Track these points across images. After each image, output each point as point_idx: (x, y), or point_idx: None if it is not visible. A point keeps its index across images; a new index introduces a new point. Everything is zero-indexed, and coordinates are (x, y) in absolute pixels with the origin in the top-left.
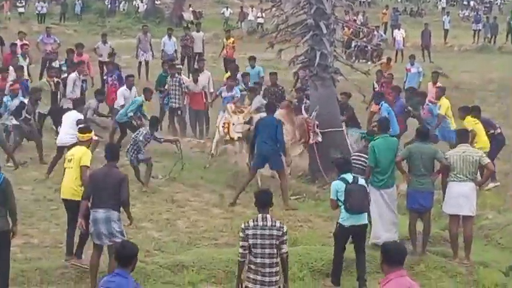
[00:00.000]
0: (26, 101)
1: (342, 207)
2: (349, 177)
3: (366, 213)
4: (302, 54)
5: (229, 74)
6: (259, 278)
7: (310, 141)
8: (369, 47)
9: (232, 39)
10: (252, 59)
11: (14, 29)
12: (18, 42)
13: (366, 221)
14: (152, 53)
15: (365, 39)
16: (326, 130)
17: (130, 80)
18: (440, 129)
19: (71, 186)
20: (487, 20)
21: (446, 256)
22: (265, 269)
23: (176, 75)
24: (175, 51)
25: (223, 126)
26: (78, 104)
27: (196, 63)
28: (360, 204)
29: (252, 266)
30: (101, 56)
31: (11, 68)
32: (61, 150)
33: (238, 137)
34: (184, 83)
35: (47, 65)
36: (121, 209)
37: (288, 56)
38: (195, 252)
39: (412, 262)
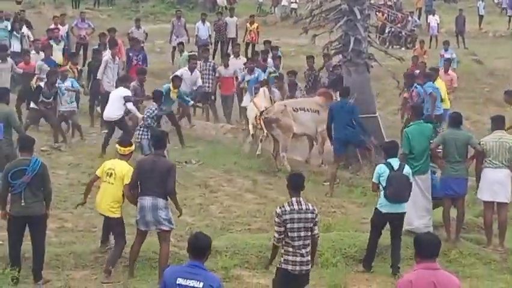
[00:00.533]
0: (43, 84)
1: (382, 192)
2: (395, 163)
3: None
4: (336, 40)
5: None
6: (298, 259)
7: None
8: (403, 33)
9: (256, 24)
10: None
11: (49, 13)
12: (53, 27)
13: (404, 210)
14: (188, 38)
15: (399, 25)
16: (360, 116)
17: (193, 62)
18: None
19: (108, 203)
20: None
21: (480, 243)
22: (301, 250)
23: (210, 59)
24: (209, 36)
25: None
26: (124, 80)
27: (230, 48)
28: (400, 193)
29: (290, 249)
30: None
31: (32, 52)
32: (110, 125)
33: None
34: (217, 67)
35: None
36: None
37: (322, 42)
38: (228, 238)
39: (446, 249)
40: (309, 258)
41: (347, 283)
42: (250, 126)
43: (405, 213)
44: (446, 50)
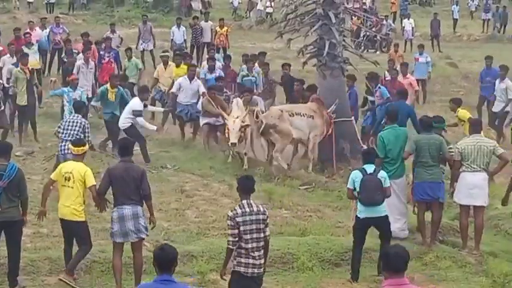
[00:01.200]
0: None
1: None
2: (370, 168)
3: (384, 205)
4: (311, 44)
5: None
6: (251, 261)
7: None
8: (378, 37)
9: (226, 28)
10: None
11: (23, 18)
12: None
13: (383, 213)
14: (155, 43)
15: (374, 29)
16: (336, 120)
17: (191, 70)
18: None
19: (71, 206)
20: (497, 10)
21: (456, 246)
22: (254, 252)
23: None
24: (185, 40)
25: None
26: (141, 91)
27: (207, 53)
28: (371, 196)
29: (243, 251)
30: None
31: (7, 56)
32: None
33: (232, 143)
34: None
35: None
36: None
37: (297, 46)
38: (204, 242)
39: (421, 252)
40: (261, 261)
41: (322, 287)
42: (232, 136)
43: (386, 216)
44: (420, 54)
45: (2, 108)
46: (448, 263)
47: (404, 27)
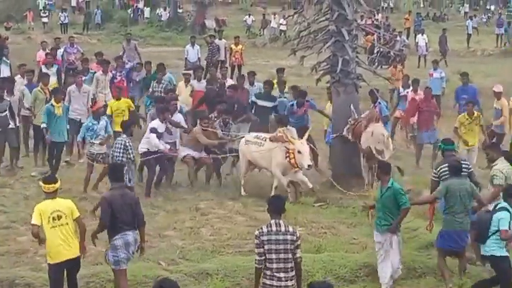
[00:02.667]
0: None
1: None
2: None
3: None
4: (324, 61)
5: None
6: (275, 283)
7: None
8: (391, 53)
9: (241, 46)
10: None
11: (38, 39)
12: (42, 52)
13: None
14: (140, 61)
15: (387, 45)
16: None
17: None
18: None
19: (73, 242)
20: (509, 25)
21: (471, 262)
22: (280, 274)
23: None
24: (199, 59)
25: (287, 156)
26: (159, 111)
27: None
28: None
29: (268, 272)
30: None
31: (18, 76)
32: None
33: (309, 165)
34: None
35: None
36: None
37: (311, 63)
38: (219, 260)
39: (436, 267)
40: (288, 283)
41: None
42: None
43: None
44: (435, 70)
45: (11, 126)
46: (464, 279)
47: (417, 42)
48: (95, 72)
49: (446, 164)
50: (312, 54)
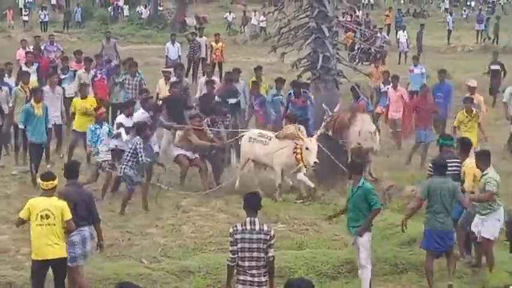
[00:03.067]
0: None
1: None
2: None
3: None
4: (305, 57)
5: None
6: (248, 278)
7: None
8: (372, 49)
9: (221, 43)
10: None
11: (18, 37)
12: (21, 51)
13: None
14: (119, 59)
15: (368, 41)
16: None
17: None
18: None
19: (60, 244)
20: (487, 20)
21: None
22: (252, 271)
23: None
24: (179, 56)
25: (294, 152)
26: (127, 105)
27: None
28: None
29: (241, 269)
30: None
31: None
32: None
33: (315, 162)
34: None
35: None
36: None
37: (291, 60)
38: (201, 258)
39: (418, 263)
40: (262, 279)
41: None
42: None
43: None
44: (415, 66)
45: None
46: (445, 274)
47: (398, 39)
48: (75, 71)
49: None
50: (292, 51)
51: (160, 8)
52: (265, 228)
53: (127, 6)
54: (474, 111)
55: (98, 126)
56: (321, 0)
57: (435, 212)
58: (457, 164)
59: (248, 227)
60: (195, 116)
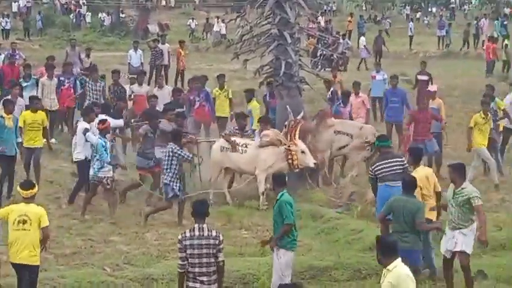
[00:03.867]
0: None
1: None
2: None
3: None
4: (267, 64)
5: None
6: (198, 285)
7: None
8: (334, 56)
9: (186, 51)
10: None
11: None
12: None
13: None
14: (83, 67)
15: (330, 47)
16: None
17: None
18: None
19: (29, 249)
20: (449, 26)
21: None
22: (202, 277)
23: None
24: (142, 63)
25: (289, 158)
26: (86, 112)
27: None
28: None
29: (191, 275)
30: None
31: None
32: None
33: (315, 163)
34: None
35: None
36: None
37: (254, 66)
38: (164, 265)
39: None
40: (212, 287)
41: None
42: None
43: None
44: (377, 72)
45: None
46: (439, 284)
47: (360, 45)
48: (37, 78)
49: (382, 162)
50: (255, 57)
51: (122, 15)
52: (214, 233)
53: (89, 13)
54: (488, 114)
55: (105, 139)
56: (283, 6)
57: (399, 231)
58: (400, 163)
59: (197, 233)
60: (168, 110)
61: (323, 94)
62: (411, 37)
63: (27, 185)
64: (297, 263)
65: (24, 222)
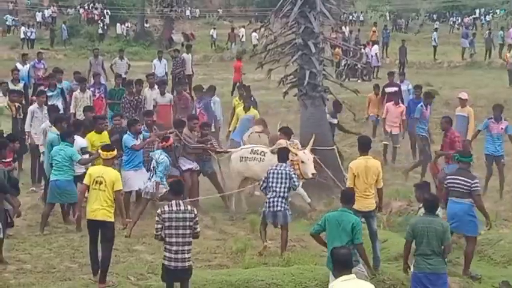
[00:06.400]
0: None
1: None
2: None
3: None
4: (291, 74)
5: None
6: (173, 256)
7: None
8: (359, 65)
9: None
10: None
11: (4, 54)
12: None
13: None
14: (106, 77)
15: (354, 57)
16: (317, 148)
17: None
18: None
19: (104, 207)
20: (474, 36)
21: None
22: (178, 247)
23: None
24: (166, 73)
25: (292, 167)
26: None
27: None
28: None
29: (167, 246)
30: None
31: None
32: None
33: (313, 174)
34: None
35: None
36: None
37: (278, 76)
38: None
39: (405, 279)
40: (185, 256)
41: None
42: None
43: None
44: (402, 82)
45: None
46: None
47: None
48: (62, 88)
49: (457, 176)
50: (279, 67)
51: (147, 25)
52: (189, 208)
53: (119, 24)
54: None
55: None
56: (307, 16)
57: (423, 254)
58: (468, 184)
59: (174, 208)
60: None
61: (346, 104)
62: (435, 47)
63: (108, 147)
64: (322, 273)
65: (100, 183)
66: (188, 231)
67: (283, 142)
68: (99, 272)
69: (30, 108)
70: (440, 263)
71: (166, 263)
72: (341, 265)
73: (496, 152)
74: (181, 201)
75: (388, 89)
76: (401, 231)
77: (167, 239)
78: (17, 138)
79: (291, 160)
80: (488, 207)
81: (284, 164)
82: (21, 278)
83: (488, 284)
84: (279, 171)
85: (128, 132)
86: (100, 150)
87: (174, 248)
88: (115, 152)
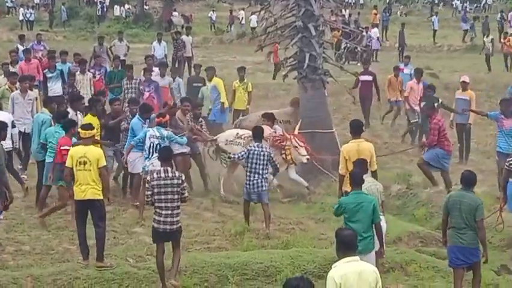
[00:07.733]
0: None
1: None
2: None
3: None
4: (291, 57)
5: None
6: (162, 219)
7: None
8: (358, 48)
9: None
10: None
11: (3, 36)
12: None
13: None
14: (112, 64)
15: (354, 40)
16: (316, 131)
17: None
18: None
19: (92, 186)
20: (475, 19)
21: (439, 256)
22: (167, 211)
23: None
24: (165, 55)
25: (283, 153)
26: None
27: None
28: None
29: (157, 210)
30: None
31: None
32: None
33: (307, 159)
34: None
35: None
36: None
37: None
38: (187, 257)
39: (404, 262)
40: (174, 219)
41: None
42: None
43: None
44: (406, 65)
45: None
46: (431, 273)
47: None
48: (61, 69)
49: None
50: (279, 50)
51: (146, 7)
52: (177, 174)
53: (117, 6)
54: None
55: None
56: None
57: (456, 227)
58: None
59: (163, 174)
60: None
61: (346, 87)
62: (435, 31)
63: (88, 126)
64: (320, 256)
65: (85, 163)
66: (176, 196)
67: (266, 128)
68: (95, 254)
69: (12, 94)
70: (473, 238)
71: (155, 225)
72: (345, 246)
73: (509, 150)
74: (169, 168)
75: (363, 77)
76: (400, 214)
77: (156, 204)
78: None
79: (282, 146)
80: (489, 192)
81: (263, 145)
82: (19, 259)
83: (487, 268)
84: (260, 153)
85: (138, 116)
86: (79, 129)
87: (164, 212)
88: (94, 131)
